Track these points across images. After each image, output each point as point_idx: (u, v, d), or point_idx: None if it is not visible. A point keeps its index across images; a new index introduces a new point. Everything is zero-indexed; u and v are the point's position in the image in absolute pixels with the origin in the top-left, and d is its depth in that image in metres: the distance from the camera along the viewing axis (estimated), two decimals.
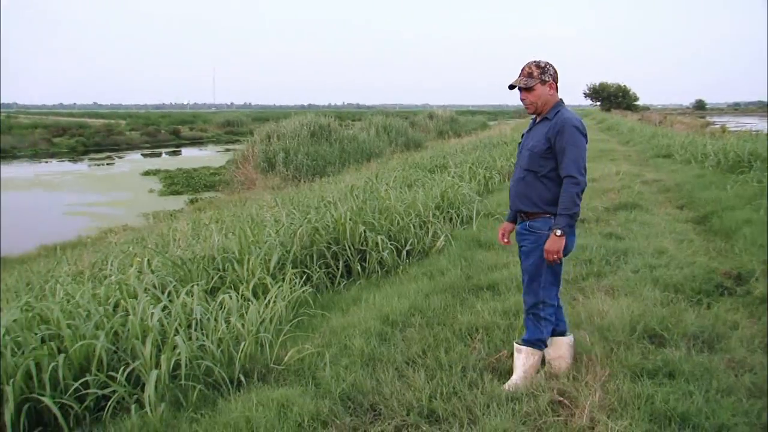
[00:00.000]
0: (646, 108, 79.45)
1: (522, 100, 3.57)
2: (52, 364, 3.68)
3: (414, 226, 7.33)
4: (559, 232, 3.38)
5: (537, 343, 3.63)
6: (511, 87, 3.55)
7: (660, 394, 3.24)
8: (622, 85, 77.18)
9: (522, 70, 3.52)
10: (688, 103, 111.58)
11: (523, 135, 3.78)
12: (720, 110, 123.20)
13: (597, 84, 77.77)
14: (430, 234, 7.37)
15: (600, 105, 77.32)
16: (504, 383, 3.59)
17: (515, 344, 3.70)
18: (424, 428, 3.18)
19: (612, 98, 75.50)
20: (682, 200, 9.86)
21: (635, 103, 76.71)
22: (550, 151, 3.47)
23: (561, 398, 3.37)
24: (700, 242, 6.90)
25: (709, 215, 8.22)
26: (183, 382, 3.72)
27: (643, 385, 3.36)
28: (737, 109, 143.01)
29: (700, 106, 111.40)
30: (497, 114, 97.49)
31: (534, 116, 3.67)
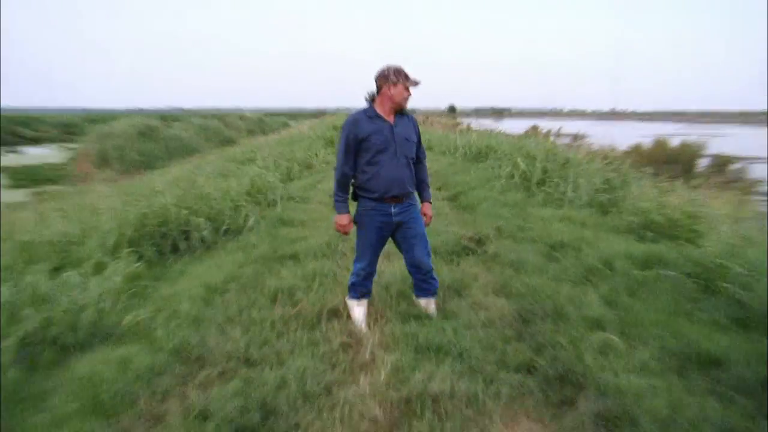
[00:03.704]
0: (413, 110, 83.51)
1: (408, 96, 3.54)
2: None
3: (229, 209, 7.22)
4: (431, 201, 3.83)
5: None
6: (416, 84, 3.53)
7: (422, 332, 3.48)
8: None
9: (406, 72, 3.52)
10: (444, 107, 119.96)
11: (373, 132, 3.49)
12: (466, 113, 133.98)
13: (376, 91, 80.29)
14: (243, 215, 7.28)
15: None
16: (306, 332, 3.67)
17: (429, 299, 3.89)
18: (242, 371, 3.21)
19: None
20: (440, 183, 10.49)
21: None
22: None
23: (350, 340, 3.54)
24: (452, 215, 7.47)
25: (458, 194, 8.86)
26: (34, 348, 3.55)
27: (410, 326, 3.60)
28: (478, 112, 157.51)
29: (452, 110, 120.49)
30: (296, 115, 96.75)
31: (370, 113, 3.56)
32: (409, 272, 3.86)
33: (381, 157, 3.50)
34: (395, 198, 3.57)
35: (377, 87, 3.57)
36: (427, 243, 3.79)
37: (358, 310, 3.84)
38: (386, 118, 3.55)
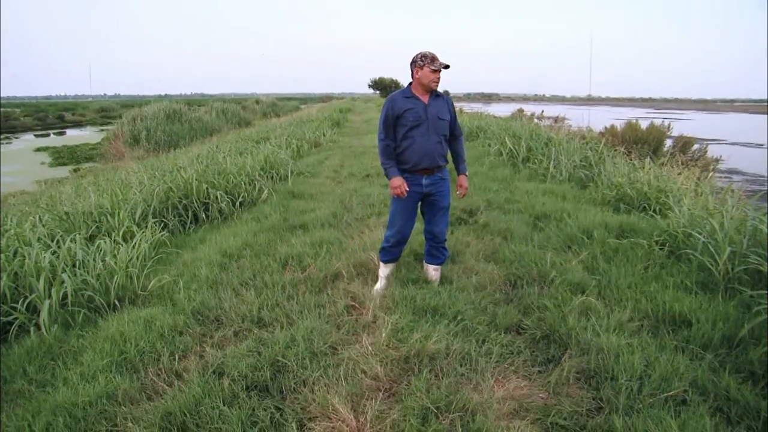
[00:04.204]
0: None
1: (438, 78, 3.42)
2: None
3: (244, 183, 7.17)
4: (467, 173, 3.68)
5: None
6: (446, 66, 3.42)
7: (419, 295, 3.38)
8: (395, 79, 79.72)
9: (436, 56, 3.39)
10: None
11: (407, 109, 3.41)
12: (459, 98, 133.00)
13: (377, 78, 79.67)
14: (257, 189, 7.20)
15: (379, 93, 79.26)
16: (314, 295, 3.59)
17: (437, 267, 3.74)
18: (255, 331, 3.13)
19: (387, 88, 77.58)
20: None
21: None
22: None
23: (354, 303, 3.44)
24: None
25: (452, 170, 8.75)
26: (70, 308, 3.54)
27: (409, 289, 3.50)
28: (469, 96, 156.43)
29: (446, 94, 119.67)
30: (306, 100, 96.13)
31: (406, 93, 3.47)
32: (426, 239, 3.74)
33: (414, 132, 3.43)
34: (426, 170, 3.50)
35: (411, 71, 3.48)
36: (448, 216, 3.71)
37: (381, 272, 3.77)
38: (420, 98, 3.47)
